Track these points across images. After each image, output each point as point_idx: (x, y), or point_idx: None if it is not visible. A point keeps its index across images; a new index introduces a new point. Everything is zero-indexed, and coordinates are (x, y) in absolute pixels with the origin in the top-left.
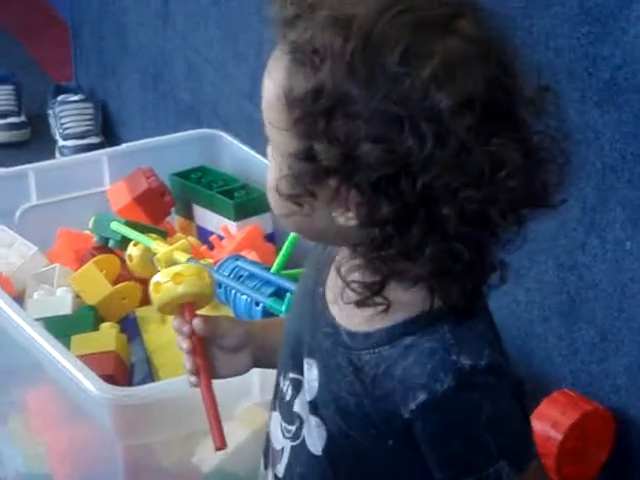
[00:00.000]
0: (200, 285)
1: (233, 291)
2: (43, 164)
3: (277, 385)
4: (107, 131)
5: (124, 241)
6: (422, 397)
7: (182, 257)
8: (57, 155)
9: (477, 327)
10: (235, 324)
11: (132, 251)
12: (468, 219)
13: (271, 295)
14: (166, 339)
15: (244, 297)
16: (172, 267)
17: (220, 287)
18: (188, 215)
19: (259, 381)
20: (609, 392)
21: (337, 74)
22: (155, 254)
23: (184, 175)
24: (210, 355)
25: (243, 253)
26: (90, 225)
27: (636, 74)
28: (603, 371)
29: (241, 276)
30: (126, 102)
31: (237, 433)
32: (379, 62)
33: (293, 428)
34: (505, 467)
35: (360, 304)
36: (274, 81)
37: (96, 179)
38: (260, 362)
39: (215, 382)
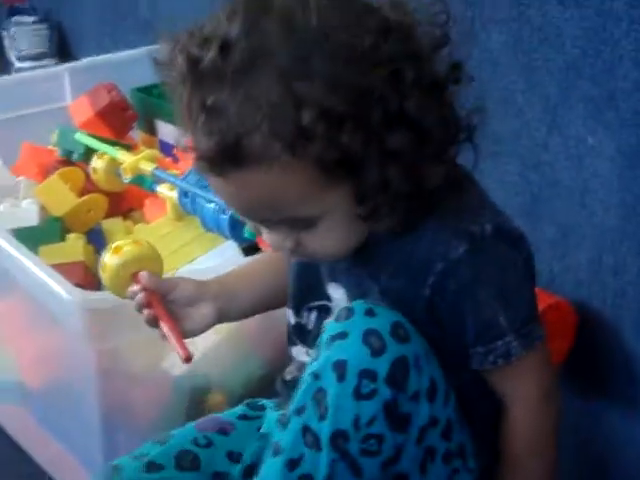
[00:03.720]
0: (140, 248)
1: (199, 200)
2: (3, 79)
3: (288, 323)
4: (64, 53)
5: (88, 154)
6: (439, 266)
7: (148, 166)
8: None
9: (472, 196)
10: (184, 279)
11: (97, 164)
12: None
13: None
14: None
15: (211, 205)
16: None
17: (186, 197)
18: (150, 130)
19: None
20: (571, 287)
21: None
22: (121, 164)
23: (146, 90)
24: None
25: None
26: (53, 139)
27: None
28: (565, 267)
29: (207, 185)
30: (83, 23)
31: (208, 338)
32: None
33: None
34: (513, 342)
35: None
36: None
37: (57, 94)
38: (229, 313)
39: None
